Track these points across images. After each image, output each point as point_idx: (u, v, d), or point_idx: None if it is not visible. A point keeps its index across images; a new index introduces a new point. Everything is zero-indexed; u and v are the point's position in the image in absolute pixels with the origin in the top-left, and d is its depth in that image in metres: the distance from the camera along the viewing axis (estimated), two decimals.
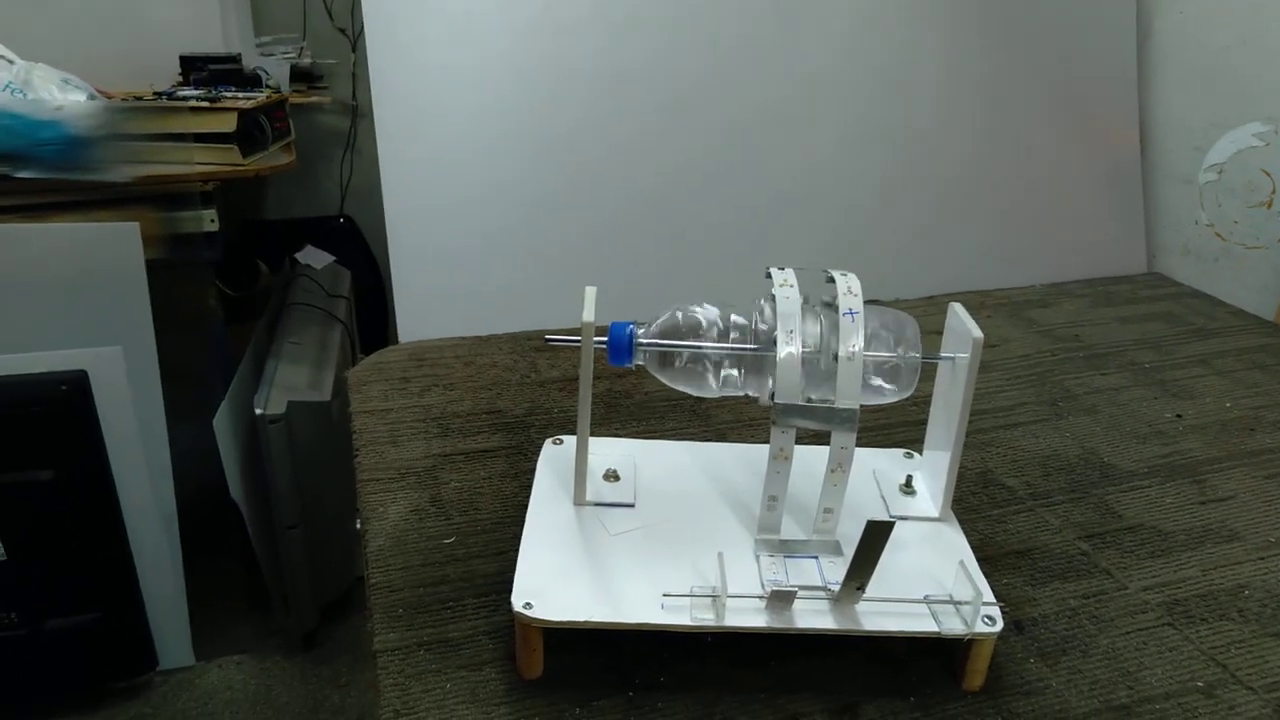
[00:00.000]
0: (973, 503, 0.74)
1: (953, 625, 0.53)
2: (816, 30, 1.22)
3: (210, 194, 1.38)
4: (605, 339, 0.58)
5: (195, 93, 1.45)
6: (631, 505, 0.62)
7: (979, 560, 0.59)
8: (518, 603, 0.52)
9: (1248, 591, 0.66)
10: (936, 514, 0.63)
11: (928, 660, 0.57)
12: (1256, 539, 0.71)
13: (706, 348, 0.58)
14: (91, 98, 1.35)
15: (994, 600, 0.54)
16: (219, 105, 1.38)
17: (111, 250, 1.29)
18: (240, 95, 1.45)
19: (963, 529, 0.62)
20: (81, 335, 1.28)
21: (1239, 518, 0.74)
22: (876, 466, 0.68)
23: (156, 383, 1.36)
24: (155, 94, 1.45)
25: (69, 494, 1.30)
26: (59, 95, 1.30)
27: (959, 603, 0.54)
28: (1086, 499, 0.76)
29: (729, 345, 0.58)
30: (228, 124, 1.36)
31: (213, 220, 1.39)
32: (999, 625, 0.53)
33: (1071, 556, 0.68)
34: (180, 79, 1.55)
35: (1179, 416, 0.89)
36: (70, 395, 1.26)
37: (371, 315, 2.02)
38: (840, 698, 0.55)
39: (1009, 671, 0.57)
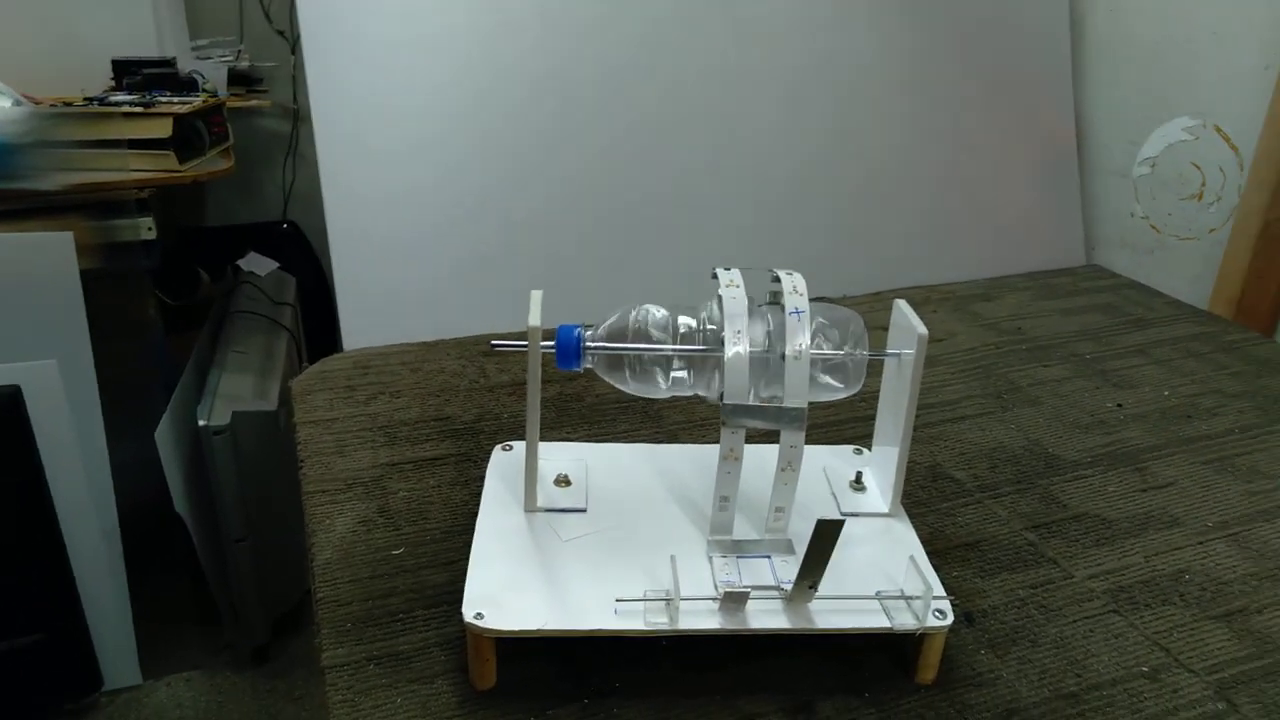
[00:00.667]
0: (922, 496, 0.75)
1: (904, 620, 0.54)
2: (758, 27, 1.23)
3: (146, 201, 1.35)
4: (553, 343, 0.58)
5: (128, 98, 1.42)
6: (583, 510, 0.62)
7: (929, 554, 0.60)
8: (469, 613, 0.52)
9: (1188, 576, 0.67)
10: (886, 509, 0.64)
11: (881, 655, 0.58)
12: (1195, 524, 0.73)
13: (655, 349, 0.57)
14: (18, 103, 1.31)
15: (944, 594, 0.54)
16: (153, 110, 1.34)
17: (44, 261, 1.25)
18: (175, 100, 1.42)
19: (913, 523, 0.63)
20: (14, 349, 1.24)
21: (1179, 503, 0.76)
22: (827, 463, 0.69)
23: (94, 396, 1.32)
24: (86, 99, 1.41)
25: (4, 513, 1.25)
26: None
27: (910, 598, 0.55)
28: (1032, 489, 0.77)
29: (677, 347, 0.57)
30: (163, 129, 1.33)
31: (149, 228, 1.36)
32: (950, 619, 0.54)
33: (1019, 547, 0.69)
34: (112, 83, 1.51)
35: (1120, 406, 0.91)
36: (2, 411, 1.22)
37: (319, 322, 1.98)
38: (795, 697, 0.55)
39: (960, 664, 0.58)
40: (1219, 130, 1.21)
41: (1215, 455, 0.83)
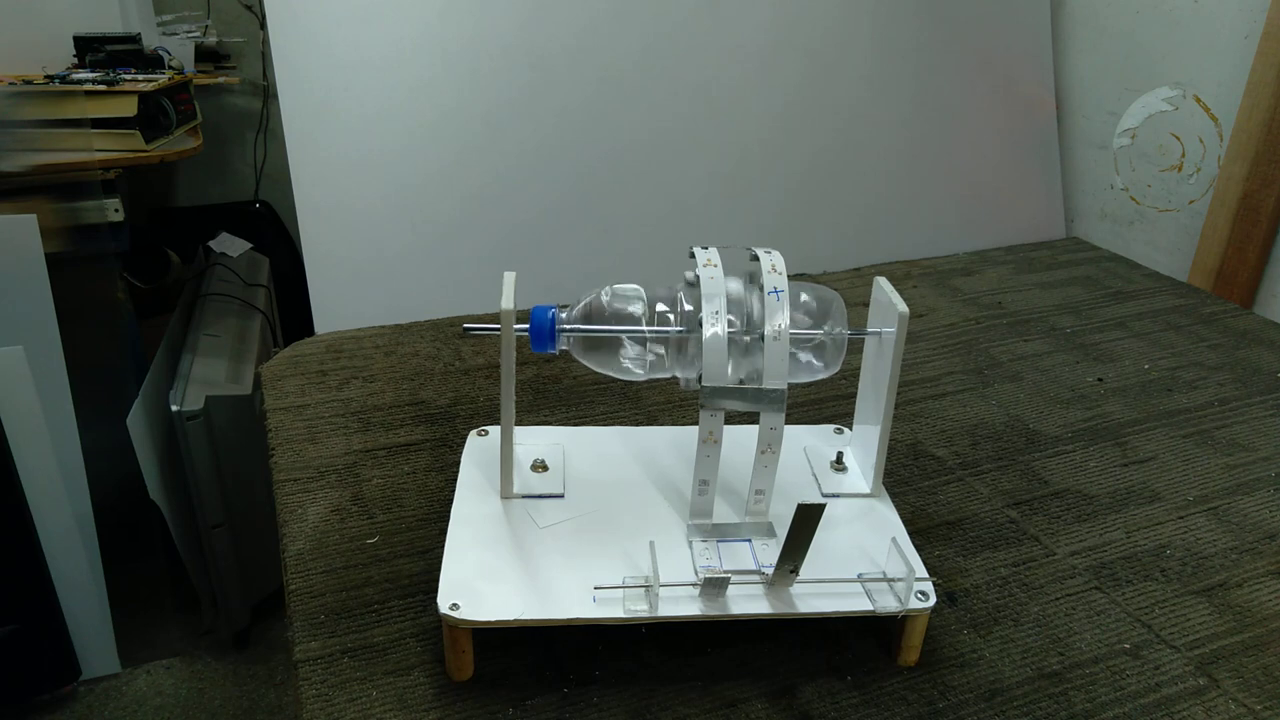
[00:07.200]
0: (904, 475, 0.75)
1: (887, 603, 0.53)
2: (740, 6, 1.20)
3: (113, 182, 1.32)
4: (527, 326, 0.56)
5: (91, 75, 1.38)
6: (561, 496, 0.61)
7: (911, 533, 0.59)
8: (444, 604, 0.51)
9: (1169, 551, 0.67)
10: (868, 489, 0.63)
11: (864, 638, 0.57)
12: (1176, 498, 0.73)
13: (631, 331, 0.56)
14: None
15: (926, 576, 0.54)
16: (117, 88, 1.31)
17: (8, 245, 1.22)
18: (140, 77, 1.38)
19: (894, 502, 0.62)
20: None
21: (1159, 478, 0.75)
22: (807, 444, 0.68)
23: (64, 383, 1.30)
24: (47, 77, 1.38)
25: None
26: None
27: (892, 580, 0.54)
28: (1013, 466, 0.76)
29: (654, 328, 0.56)
30: (128, 108, 1.30)
31: (117, 210, 1.33)
32: (932, 600, 0.53)
33: (1000, 525, 0.69)
34: (75, 61, 1.47)
35: (1100, 380, 0.91)
36: None
37: (294, 303, 1.95)
38: (777, 681, 0.54)
39: (943, 644, 0.57)
40: (1198, 100, 1.20)
41: (1195, 429, 0.82)
